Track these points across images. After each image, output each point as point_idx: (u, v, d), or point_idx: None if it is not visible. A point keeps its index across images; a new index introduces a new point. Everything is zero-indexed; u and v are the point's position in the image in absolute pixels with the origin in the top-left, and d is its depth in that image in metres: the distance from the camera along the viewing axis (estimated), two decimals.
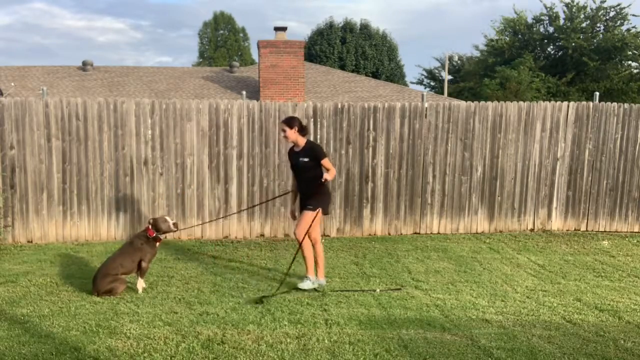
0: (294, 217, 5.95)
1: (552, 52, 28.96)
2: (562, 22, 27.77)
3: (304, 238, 5.46)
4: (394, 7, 78.05)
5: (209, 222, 7.99)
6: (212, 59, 38.50)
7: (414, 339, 4.23)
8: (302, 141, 5.57)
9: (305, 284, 5.49)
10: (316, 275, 5.62)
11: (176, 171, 8.01)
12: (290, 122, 5.56)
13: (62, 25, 73.48)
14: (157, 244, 5.53)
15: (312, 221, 5.46)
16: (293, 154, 5.68)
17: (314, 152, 5.53)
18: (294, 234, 5.63)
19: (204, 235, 8.15)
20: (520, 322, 4.68)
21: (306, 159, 5.50)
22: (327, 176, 5.39)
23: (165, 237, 5.63)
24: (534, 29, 28.82)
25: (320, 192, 5.52)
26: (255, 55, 36.68)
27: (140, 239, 5.47)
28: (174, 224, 5.54)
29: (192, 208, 8.08)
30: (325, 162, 5.50)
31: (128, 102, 7.88)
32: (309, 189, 5.51)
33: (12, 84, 15.86)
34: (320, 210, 5.50)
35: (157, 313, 4.76)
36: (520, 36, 29.10)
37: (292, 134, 5.52)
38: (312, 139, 8.17)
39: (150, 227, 5.48)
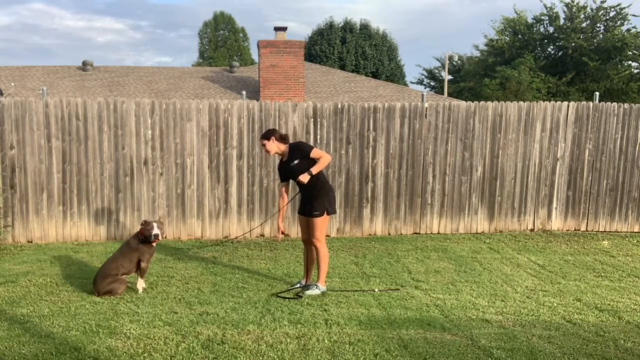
0: (281, 232, 5.67)
1: (552, 52, 28.95)
2: (562, 22, 27.76)
3: (311, 244, 5.44)
4: (392, 7, 78.06)
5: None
6: (212, 59, 38.49)
7: (414, 339, 4.23)
8: (284, 148, 5.41)
9: (313, 291, 5.39)
10: (317, 278, 5.52)
11: (176, 171, 8.01)
12: (267, 134, 5.41)
13: (61, 25, 73.50)
14: (154, 243, 5.52)
15: (323, 225, 5.38)
16: (283, 165, 5.49)
17: (299, 150, 5.36)
18: (312, 244, 5.44)
19: (204, 235, 8.15)
20: (520, 322, 4.68)
21: (296, 161, 5.33)
22: (312, 170, 5.20)
23: (165, 236, 5.60)
24: (534, 29, 28.81)
25: (322, 194, 5.36)
26: (255, 55, 36.71)
27: (136, 239, 5.48)
28: (154, 235, 5.34)
29: (192, 208, 8.08)
30: (315, 153, 5.30)
31: (128, 102, 7.88)
32: (310, 190, 5.35)
33: (12, 84, 15.86)
34: (327, 211, 5.37)
35: (157, 313, 4.76)
36: (520, 36, 29.09)
37: (272, 144, 5.35)
38: (312, 139, 8.18)
39: (142, 228, 5.48)
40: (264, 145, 5.43)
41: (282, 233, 5.67)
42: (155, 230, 5.39)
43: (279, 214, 5.66)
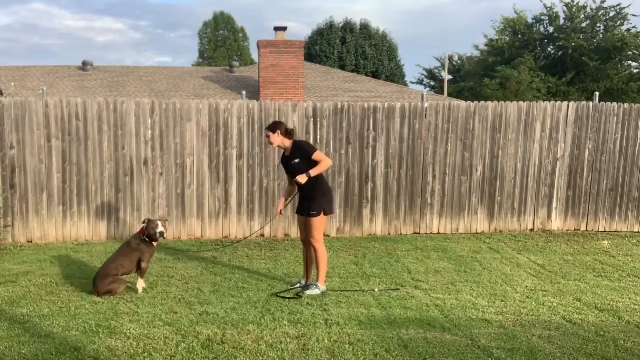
0: (281, 212, 5.72)
1: (552, 52, 28.93)
2: (562, 22, 27.76)
3: (310, 244, 5.44)
4: (392, 7, 78.00)
5: None
6: (212, 59, 38.50)
7: (414, 339, 4.23)
8: (289, 144, 5.41)
9: (313, 291, 5.38)
10: (317, 278, 5.51)
11: (176, 171, 8.01)
12: (273, 126, 5.41)
13: (61, 25, 73.50)
14: (155, 243, 5.51)
15: (321, 225, 5.38)
16: (285, 160, 5.53)
17: (301, 150, 5.37)
18: (310, 244, 5.43)
19: (204, 235, 8.15)
20: (520, 322, 4.68)
21: (297, 160, 5.35)
22: (311, 172, 5.20)
23: (165, 237, 5.60)
24: (534, 29, 28.80)
25: (320, 194, 5.36)
26: (254, 55, 36.67)
27: (137, 239, 5.47)
28: (160, 232, 5.36)
29: (192, 208, 8.08)
30: (317, 155, 5.29)
31: (128, 102, 7.88)
32: (308, 190, 5.35)
33: (12, 84, 15.85)
34: (324, 211, 5.38)
35: (157, 313, 4.76)
36: (520, 36, 29.07)
37: (277, 138, 5.36)
38: (312, 139, 8.18)
39: (144, 227, 5.47)
40: (268, 136, 5.42)
41: (281, 213, 5.72)
42: (161, 228, 5.39)
43: (283, 199, 5.71)
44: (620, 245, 8.00)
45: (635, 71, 27.31)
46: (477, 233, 8.65)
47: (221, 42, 39.99)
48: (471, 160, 8.57)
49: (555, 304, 5.21)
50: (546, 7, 28.10)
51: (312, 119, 8.23)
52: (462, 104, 8.70)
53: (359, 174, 8.37)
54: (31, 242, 7.75)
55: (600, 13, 26.99)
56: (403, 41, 64.58)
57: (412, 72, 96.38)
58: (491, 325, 4.61)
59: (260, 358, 3.88)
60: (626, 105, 8.85)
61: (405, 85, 32.52)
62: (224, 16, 40.95)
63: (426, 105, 8.48)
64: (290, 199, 5.78)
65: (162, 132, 7.94)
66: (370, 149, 8.36)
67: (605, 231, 8.90)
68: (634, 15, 30.01)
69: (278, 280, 5.93)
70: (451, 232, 8.64)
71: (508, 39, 29.34)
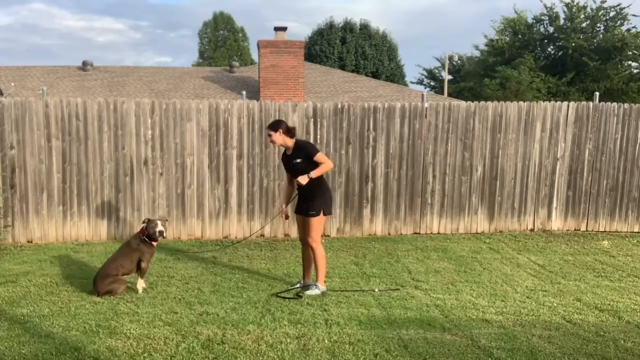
0: (285, 215, 5.78)
1: (552, 52, 28.93)
2: (562, 22, 27.76)
3: (308, 244, 5.44)
4: (392, 7, 77.99)
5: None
6: (212, 59, 38.50)
7: (414, 339, 4.23)
8: (290, 143, 5.41)
9: (313, 291, 5.39)
10: (316, 279, 5.50)
11: (176, 171, 8.01)
12: (274, 125, 5.41)
13: (61, 25, 73.52)
14: (155, 243, 5.51)
15: (319, 225, 5.38)
16: (286, 158, 5.54)
17: (304, 150, 5.37)
18: (308, 243, 5.42)
19: (204, 235, 8.15)
20: (520, 322, 4.68)
21: (298, 160, 5.35)
22: (312, 174, 5.20)
23: (165, 236, 5.60)
24: (534, 29, 28.80)
25: (319, 194, 5.36)
26: (254, 55, 36.69)
27: (137, 239, 5.47)
28: (159, 231, 5.37)
29: (192, 208, 8.08)
30: (319, 157, 5.30)
31: (128, 102, 7.88)
32: (307, 190, 5.34)
33: (12, 84, 15.85)
34: (323, 211, 5.38)
35: (157, 313, 4.76)
36: (520, 36, 29.07)
37: (278, 137, 5.36)
38: (312, 139, 8.18)
39: (144, 227, 5.47)
40: (270, 135, 5.42)
41: (286, 217, 5.86)
42: (160, 227, 5.40)
43: (283, 200, 5.80)
44: (620, 245, 8.01)
45: (635, 71, 27.32)
46: (477, 233, 8.65)
47: (221, 42, 39.99)
48: (471, 160, 8.57)
49: (555, 304, 5.21)
50: (546, 7, 28.12)
51: (312, 119, 8.22)
52: (462, 104, 8.71)
53: (359, 174, 8.37)
54: (31, 242, 7.76)
55: (600, 13, 26.98)
56: (403, 41, 64.56)
57: (412, 72, 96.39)
58: (491, 325, 4.61)
59: (260, 358, 3.88)
60: (626, 105, 8.85)
61: (405, 85, 32.53)
62: (223, 16, 40.95)
63: (426, 105, 8.48)
64: (290, 201, 5.78)
65: (162, 132, 7.94)
66: (370, 149, 8.36)
67: (605, 231, 8.91)
68: (634, 15, 30.11)
69: (278, 280, 5.93)
70: (451, 232, 8.64)
71: (508, 39, 29.34)
